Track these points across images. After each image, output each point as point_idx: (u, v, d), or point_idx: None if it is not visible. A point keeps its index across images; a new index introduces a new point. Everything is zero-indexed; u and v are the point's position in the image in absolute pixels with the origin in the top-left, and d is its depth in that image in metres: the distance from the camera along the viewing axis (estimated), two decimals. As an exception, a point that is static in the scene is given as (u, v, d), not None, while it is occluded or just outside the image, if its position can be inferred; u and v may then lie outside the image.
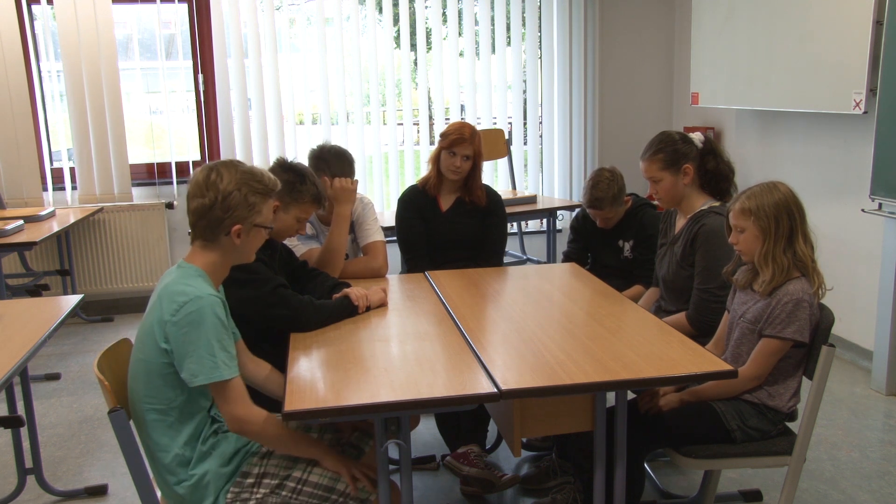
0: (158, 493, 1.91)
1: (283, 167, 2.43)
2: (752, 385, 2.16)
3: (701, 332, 2.49)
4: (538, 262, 5.07)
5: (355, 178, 2.87)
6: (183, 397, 1.83)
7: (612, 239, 3.24)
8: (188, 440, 1.85)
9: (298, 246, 2.81)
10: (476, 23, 5.42)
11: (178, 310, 1.76)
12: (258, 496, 1.87)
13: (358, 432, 2.14)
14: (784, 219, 2.10)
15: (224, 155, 5.13)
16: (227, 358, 1.78)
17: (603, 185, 3.09)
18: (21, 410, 2.82)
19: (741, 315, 2.21)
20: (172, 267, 1.91)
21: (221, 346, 1.78)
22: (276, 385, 2.10)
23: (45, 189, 5.05)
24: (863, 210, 3.63)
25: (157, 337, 1.78)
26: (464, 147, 3.02)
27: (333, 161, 2.84)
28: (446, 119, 5.43)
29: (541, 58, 5.54)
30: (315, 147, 2.92)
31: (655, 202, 2.80)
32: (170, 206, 5.14)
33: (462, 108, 5.55)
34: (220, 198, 1.82)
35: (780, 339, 2.09)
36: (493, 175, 5.62)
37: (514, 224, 5.32)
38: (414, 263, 3.11)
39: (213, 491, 1.85)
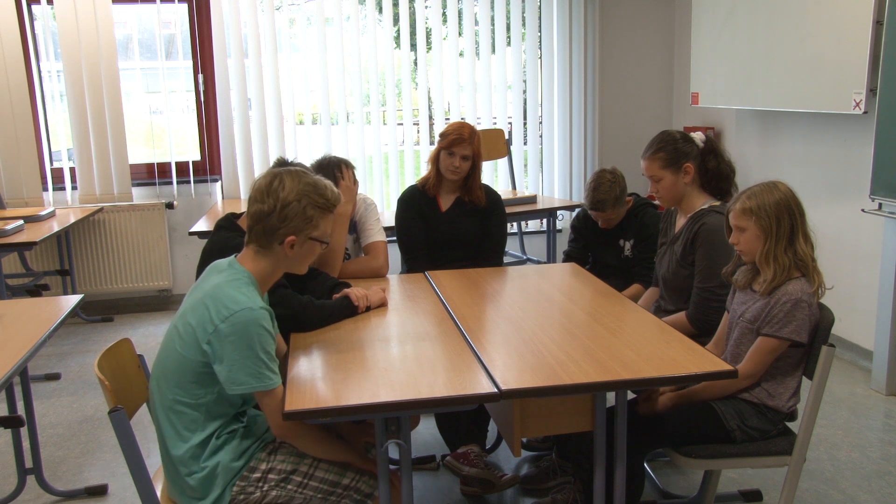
0: (158, 493, 1.91)
1: (282, 167, 2.43)
2: (747, 383, 2.15)
3: (701, 331, 2.49)
4: (538, 262, 5.07)
5: (356, 180, 2.88)
6: (212, 396, 1.84)
7: (612, 238, 3.24)
8: (207, 437, 1.86)
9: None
10: (476, 23, 5.42)
11: (228, 317, 1.76)
12: (263, 489, 1.87)
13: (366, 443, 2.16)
14: (785, 218, 2.10)
15: (224, 155, 5.13)
16: (272, 367, 1.80)
17: (605, 188, 3.09)
18: (21, 410, 2.82)
19: (740, 315, 2.21)
20: (222, 261, 1.90)
21: (268, 357, 1.79)
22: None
23: (45, 189, 5.05)
24: (863, 210, 3.63)
25: (199, 337, 1.79)
26: (462, 147, 3.02)
27: (333, 169, 2.82)
28: (446, 119, 5.43)
29: (541, 58, 5.54)
30: (314, 161, 2.90)
31: (656, 202, 2.80)
32: (170, 206, 5.14)
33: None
34: (279, 206, 1.83)
35: (777, 339, 2.09)
36: (493, 175, 5.62)
37: (514, 224, 5.32)
38: (414, 263, 3.11)
39: (222, 484, 1.86)
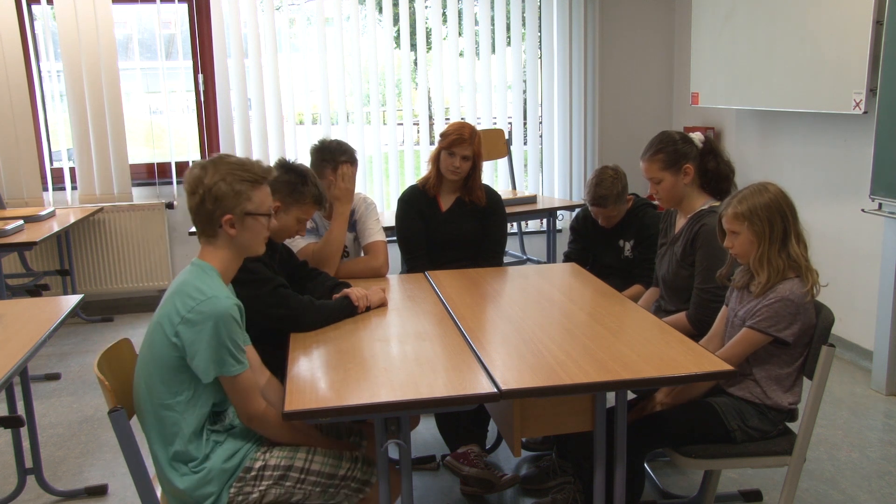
0: (158, 493, 1.91)
1: (284, 168, 2.43)
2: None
3: (701, 331, 2.49)
4: (538, 262, 5.07)
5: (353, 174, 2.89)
6: (189, 392, 1.84)
7: (612, 239, 3.24)
8: (192, 436, 1.86)
9: (297, 239, 2.81)
10: (476, 23, 5.42)
11: (193, 307, 1.79)
12: (261, 488, 1.88)
13: (355, 437, 2.17)
14: (777, 220, 2.10)
15: (224, 155, 5.12)
16: (237, 354, 1.82)
17: (607, 183, 3.08)
18: (21, 410, 2.82)
19: (736, 313, 2.22)
20: (188, 265, 1.94)
21: (233, 344, 1.81)
22: (273, 391, 2.10)
23: (45, 189, 5.05)
24: (863, 210, 3.63)
25: (166, 331, 1.81)
26: (463, 147, 3.03)
27: (336, 150, 2.85)
28: (446, 119, 5.43)
29: (541, 58, 5.54)
30: (316, 142, 2.93)
31: (656, 202, 2.80)
32: (170, 206, 5.14)
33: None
34: (208, 191, 1.86)
35: (758, 332, 2.09)
36: (493, 175, 5.62)
37: (514, 224, 5.32)
38: (414, 263, 3.11)
39: (217, 486, 1.86)
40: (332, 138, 2.98)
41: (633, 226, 3.19)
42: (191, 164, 5.12)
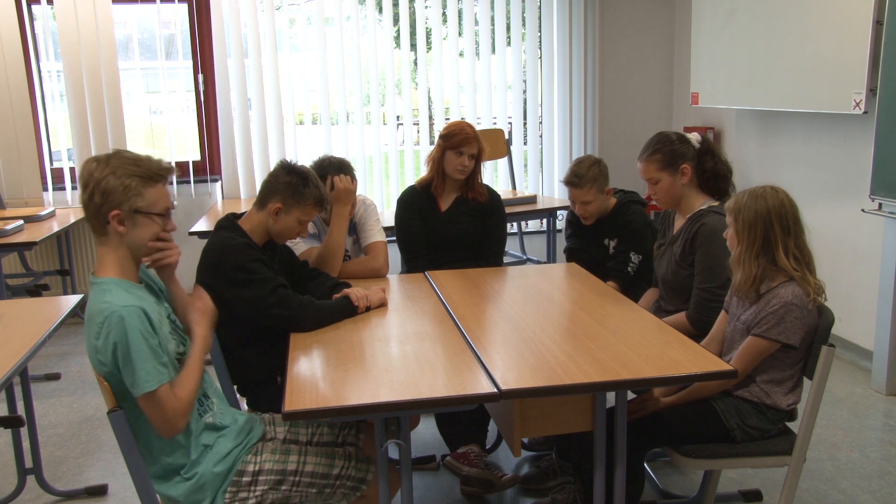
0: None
1: (286, 170, 2.43)
2: (736, 380, 2.15)
3: (702, 331, 2.49)
4: (538, 262, 5.07)
5: (355, 179, 2.88)
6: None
7: (599, 237, 3.21)
8: (174, 447, 1.84)
9: (299, 244, 2.82)
10: (476, 23, 5.42)
11: (99, 331, 1.70)
12: (257, 494, 1.87)
13: (351, 430, 2.17)
14: (759, 229, 2.08)
15: (224, 155, 5.13)
16: (154, 366, 1.70)
17: (585, 165, 3.05)
18: (21, 410, 2.82)
19: (738, 318, 2.22)
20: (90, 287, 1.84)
21: (151, 354, 1.70)
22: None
23: (45, 189, 5.04)
24: (863, 210, 3.63)
25: (94, 362, 1.75)
26: (471, 146, 3.05)
27: (335, 165, 2.85)
28: (446, 119, 5.43)
29: (541, 58, 5.54)
30: (315, 159, 2.91)
31: (653, 201, 2.79)
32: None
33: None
34: (96, 185, 1.75)
35: (767, 340, 2.09)
36: (493, 175, 5.62)
37: (514, 224, 5.32)
38: (413, 263, 3.11)
39: (210, 492, 1.85)
40: (322, 157, 2.91)
41: (617, 224, 3.15)
42: (193, 165, 5.09)
